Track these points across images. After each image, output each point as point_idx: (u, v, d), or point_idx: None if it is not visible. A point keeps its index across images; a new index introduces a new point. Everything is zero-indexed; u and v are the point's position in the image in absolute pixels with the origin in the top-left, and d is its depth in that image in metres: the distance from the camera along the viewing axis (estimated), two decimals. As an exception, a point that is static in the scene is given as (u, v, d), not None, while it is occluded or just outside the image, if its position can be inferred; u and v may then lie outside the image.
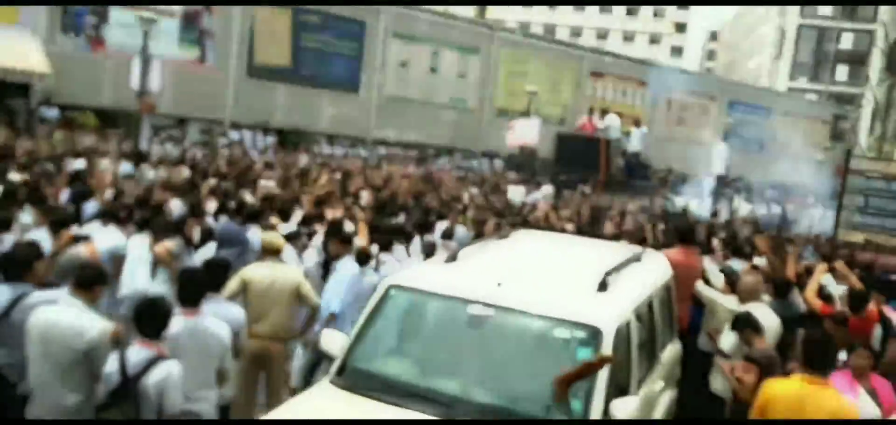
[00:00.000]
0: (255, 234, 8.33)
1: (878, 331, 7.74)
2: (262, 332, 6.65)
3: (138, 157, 13.80)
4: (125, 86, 20.67)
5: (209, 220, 9.02)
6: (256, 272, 6.79)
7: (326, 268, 7.82)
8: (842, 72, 60.41)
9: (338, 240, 7.73)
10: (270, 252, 7.01)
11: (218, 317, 5.58)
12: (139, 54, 19.89)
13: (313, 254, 8.08)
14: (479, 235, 9.80)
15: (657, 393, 6.38)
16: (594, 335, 5.05)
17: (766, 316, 6.98)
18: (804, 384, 4.90)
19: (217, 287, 5.96)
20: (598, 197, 19.31)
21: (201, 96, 26.70)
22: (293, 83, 29.62)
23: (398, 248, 8.76)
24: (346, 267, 7.55)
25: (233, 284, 6.59)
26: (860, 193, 11.87)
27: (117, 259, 7.39)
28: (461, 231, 10.34)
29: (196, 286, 5.38)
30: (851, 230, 11.86)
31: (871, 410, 5.63)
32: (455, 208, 12.10)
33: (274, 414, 5.07)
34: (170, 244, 7.17)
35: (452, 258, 6.00)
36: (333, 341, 5.47)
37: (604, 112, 24.78)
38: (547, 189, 20.20)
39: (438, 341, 5.60)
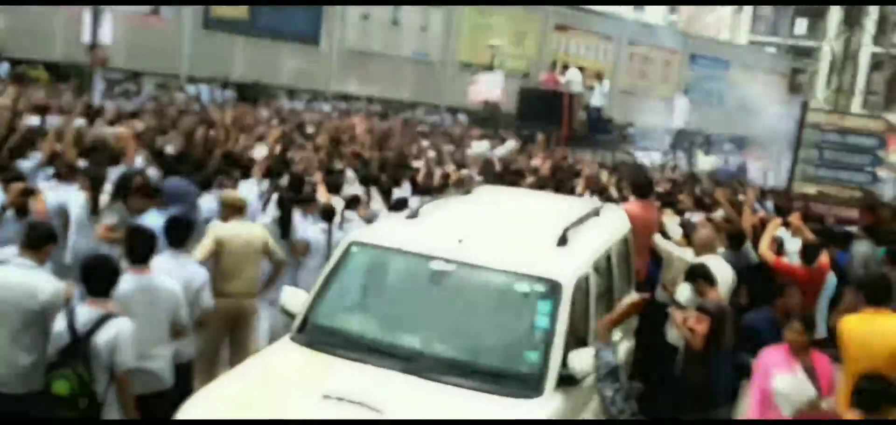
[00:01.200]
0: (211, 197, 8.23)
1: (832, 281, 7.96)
2: (235, 291, 6.64)
3: (92, 113, 13.35)
4: (77, 39, 20.11)
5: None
6: (229, 230, 6.75)
7: (284, 225, 7.75)
8: (801, 25, 60.93)
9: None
10: (235, 209, 6.97)
11: (180, 275, 5.60)
12: (90, 6, 19.32)
13: (270, 210, 8.04)
14: (440, 189, 9.82)
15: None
16: (553, 288, 5.13)
17: (720, 268, 7.12)
18: (872, 316, 5.85)
19: (180, 243, 5.92)
20: (561, 152, 19.36)
21: (156, 50, 26.11)
22: (251, 36, 29.09)
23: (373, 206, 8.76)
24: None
25: (207, 244, 6.55)
26: (815, 146, 12.07)
27: (65, 215, 7.31)
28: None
29: (145, 244, 5.36)
30: (806, 182, 12.06)
31: (805, 389, 5.33)
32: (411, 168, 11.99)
33: (236, 370, 5.11)
34: (108, 221, 6.90)
35: (414, 214, 6.04)
36: (294, 298, 5.50)
37: (565, 66, 24.78)
38: (511, 144, 20.21)
39: (400, 297, 5.64)
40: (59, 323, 4.71)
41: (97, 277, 4.81)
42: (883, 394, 4.76)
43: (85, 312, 4.71)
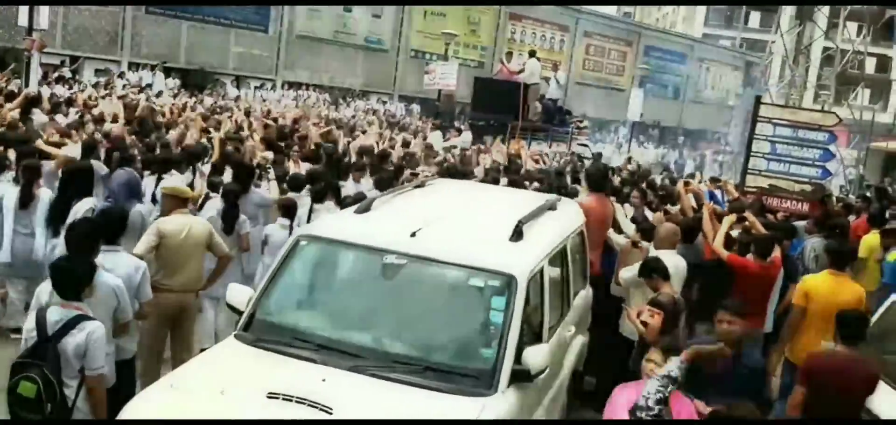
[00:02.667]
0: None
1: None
2: (177, 286, 6.45)
3: (28, 102, 12.81)
4: (12, 22, 19.53)
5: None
6: (171, 223, 6.51)
7: (230, 219, 7.55)
8: (754, 18, 61.89)
9: None
10: (178, 201, 6.76)
11: (121, 271, 5.40)
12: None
13: (215, 203, 7.86)
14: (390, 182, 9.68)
15: (569, 338, 6.48)
16: (508, 282, 5.04)
17: (674, 261, 7.11)
18: (832, 277, 7.10)
19: (114, 238, 5.70)
20: (516, 143, 19.28)
21: (95, 34, 25.52)
22: (197, 20, 28.50)
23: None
24: None
25: (150, 238, 6.34)
26: (767, 140, 12.19)
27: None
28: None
29: (85, 239, 5.17)
30: (758, 176, 12.17)
31: None
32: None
33: (179, 370, 4.93)
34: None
35: (366, 208, 5.89)
36: (239, 294, 5.32)
37: (532, 53, 24.52)
38: (466, 136, 20.10)
39: (351, 292, 5.53)
40: (29, 322, 4.62)
41: (67, 279, 4.66)
42: (864, 325, 5.88)
43: (55, 313, 4.58)
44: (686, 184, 11.32)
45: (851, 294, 6.93)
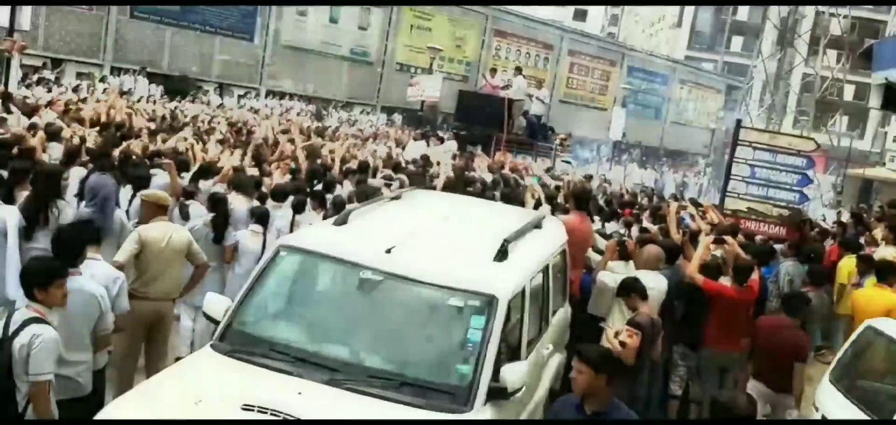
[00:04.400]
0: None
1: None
2: (154, 294, 6.40)
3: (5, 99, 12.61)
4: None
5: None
6: (153, 231, 6.48)
7: (219, 228, 7.51)
8: (737, 43, 62.40)
9: None
10: (158, 208, 6.71)
11: (99, 279, 5.32)
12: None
13: (201, 213, 7.80)
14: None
15: (546, 356, 6.45)
16: (489, 302, 5.00)
17: (654, 281, 7.12)
18: (875, 288, 8.47)
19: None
20: (502, 154, 19.27)
21: (78, 37, 25.29)
22: (181, 26, 28.33)
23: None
24: None
25: (131, 246, 6.30)
26: (747, 164, 12.29)
27: None
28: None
29: (72, 244, 5.11)
30: (737, 199, 12.26)
31: None
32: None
33: (153, 379, 4.88)
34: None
35: (343, 220, 5.82)
36: (216, 304, 5.26)
37: (518, 70, 24.49)
38: (451, 144, 20.04)
39: (328, 305, 5.49)
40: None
41: (30, 280, 4.58)
42: (802, 303, 7.38)
43: (19, 315, 4.50)
44: (682, 206, 11.32)
45: (880, 304, 8.05)
